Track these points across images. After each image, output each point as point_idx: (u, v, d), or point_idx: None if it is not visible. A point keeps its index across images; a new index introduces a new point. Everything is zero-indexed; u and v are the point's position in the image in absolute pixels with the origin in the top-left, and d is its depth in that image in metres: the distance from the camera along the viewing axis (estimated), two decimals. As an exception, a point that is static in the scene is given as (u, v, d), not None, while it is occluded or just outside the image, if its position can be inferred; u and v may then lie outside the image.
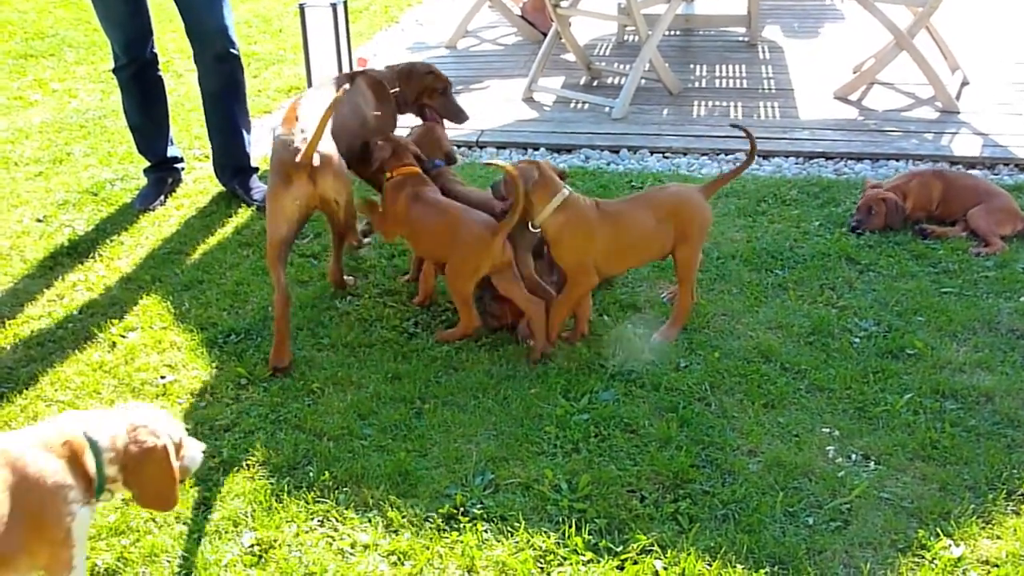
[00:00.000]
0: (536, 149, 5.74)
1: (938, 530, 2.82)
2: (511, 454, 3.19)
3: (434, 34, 8.25)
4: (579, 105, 6.40)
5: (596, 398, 3.45)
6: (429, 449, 3.23)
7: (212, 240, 4.75)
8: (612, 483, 3.04)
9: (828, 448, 3.17)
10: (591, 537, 2.83)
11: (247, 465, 3.19)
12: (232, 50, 4.92)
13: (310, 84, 5.98)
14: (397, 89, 4.36)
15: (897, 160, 5.37)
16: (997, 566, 2.71)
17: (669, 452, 3.15)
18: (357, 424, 3.35)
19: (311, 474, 3.13)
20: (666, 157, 5.60)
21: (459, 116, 4.56)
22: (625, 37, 7.72)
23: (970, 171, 5.07)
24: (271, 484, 3.08)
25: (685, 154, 5.61)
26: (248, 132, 5.19)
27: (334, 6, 5.73)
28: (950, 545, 2.77)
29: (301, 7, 5.79)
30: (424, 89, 4.45)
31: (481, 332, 3.82)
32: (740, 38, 7.70)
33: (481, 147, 5.83)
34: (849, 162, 5.44)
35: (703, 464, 3.12)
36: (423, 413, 3.41)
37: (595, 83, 6.80)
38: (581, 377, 3.56)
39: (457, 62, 7.51)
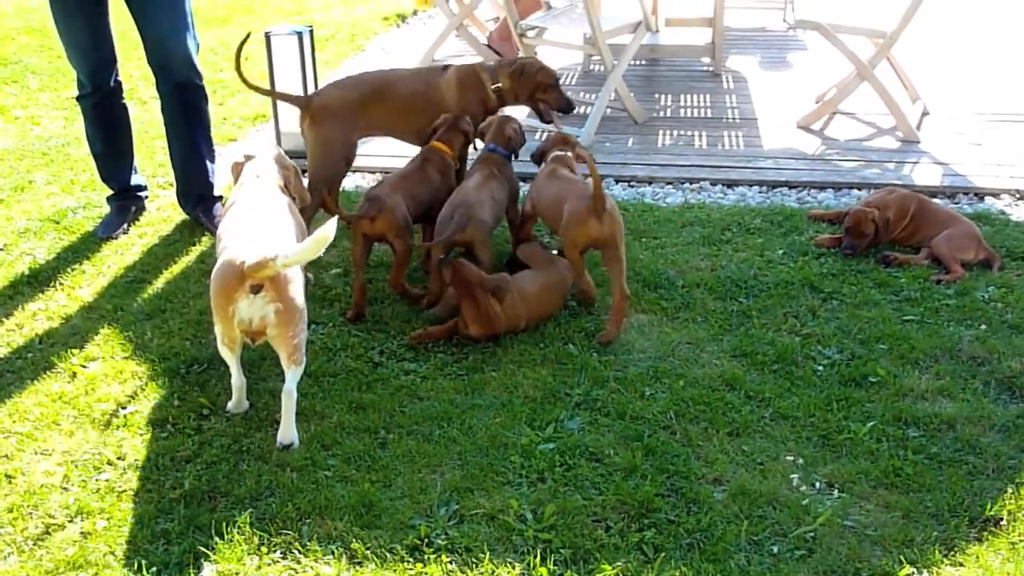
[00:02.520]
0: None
1: (902, 558, 2.83)
2: (476, 484, 3.17)
3: (401, 62, 8.26)
4: (545, 134, 6.42)
5: (561, 427, 3.44)
6: (393, 480, 3.21)
7: (175, 269, 4.71)
8: (577, 513, 3.02)
9: (792, 476, 3.18)
10: (556, 568, 2.82)
11: (209, 497, 3.15)
12: (196, 79, 4.90)
13: (275, 112, 5.96)
14: (499, 85, 4.73)
15: (860, 189, 5.43)
16: (960, 593, 2.72)
17: (634, 481, 3.15)
18: (320, 455, 3.32)
19: (274, 506, 3.09)
20: (631, 186, 5.63)
21: (570, 107, 4.98)
22: (591, 67, 7.77)
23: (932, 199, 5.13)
24: (233, 516, 3.04)
25: (650, 183, 5.64)
26: (212, 161, 5.16)
27: (300, 34, 5.72)
28: (913, 573, 2.78)
29: (267, 35, 5.78)
30: (536, 85, 4.82)
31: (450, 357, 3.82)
32: (705, 68, 7.78)
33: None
34: (812, 191, 5.49)
35: (668, 493, 3.11)
36: (387, 443, 3.38)
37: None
38: (546, 406, 3.55)
39: (424, 90, 7.52)
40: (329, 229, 3.07)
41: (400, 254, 4.22)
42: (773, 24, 9.09)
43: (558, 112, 5.03)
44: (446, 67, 4.87)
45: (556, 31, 6.66)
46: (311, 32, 5.86)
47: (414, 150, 4.73)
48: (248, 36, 4.64)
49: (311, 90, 5.86)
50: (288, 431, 3.38)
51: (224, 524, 3.00)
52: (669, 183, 5.63)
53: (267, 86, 5.74)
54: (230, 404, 3.59)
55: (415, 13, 10.14)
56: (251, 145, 6.37)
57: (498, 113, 4.75)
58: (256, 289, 3.23)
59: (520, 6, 6.76)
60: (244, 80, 4.57)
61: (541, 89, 4.85)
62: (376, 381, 3.74)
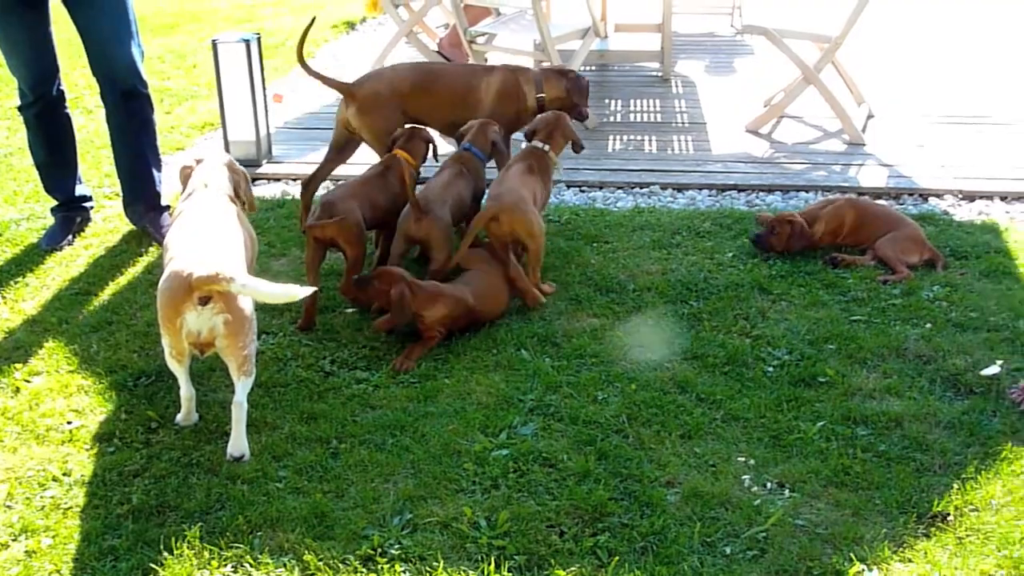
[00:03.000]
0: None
1: (852, 555, 2.86)
2: (429, 492, 3.16)
3: (351, 69, 8.21)
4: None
5: (515, 433, 3.44)
6: (346, 490, 3.19)
7: (122, 280, 4.64)
8: (531, 519, 3.02)
9: (744, 477, 3.20)
10: (511, 574, 2.82)
11: (158, 511, 3.10)
12: (141, 87, 4.84)
13: (224, 121, 5.91)
14: (543, 95, 4.92)
15: (807, 191, 5.49)
16: (909, 589, 2.76)
17: (588, 486, 3.15)
18: (272, 466, 3.29)
19: (224, 519, 3.05)
20: (583, 191, 5.64)
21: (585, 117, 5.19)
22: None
23: (877, 201, 5.20)
24: (183, 530, 3.00)
25: (601, 187, 5.67)
26: (159, 170, 5.10)
27: (247, 42, 5.68)
28: (863, 570, 2.81)
29: (214, 43, 5.73)
30: (586, 96, 5.04)
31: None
32: (654, 73, 7.83)
33: (398, 182, 5.80)
34: (761, 194, 5.54)
35: (621, 497, 3.12)
36: (339, 453, 3.36)
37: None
38: (500, 412, 3.55)
39: (374, 98, 7.49)
40: (300, 292, 3.24)
41: (351, 260, 4.21)
42: (721, 29, 9.17)
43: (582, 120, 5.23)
44: (492, 68, 5.06)
45: (506, 37, 6.67)
46: (259, 39, 5.82)
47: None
48: (313, 21, 5.05)
49: (259, 98, 5.82)
50: (239, 443, 3.34)
51: (173, 539, 2.96)
52: (619, 188, 5.66)
53: (215, 95, 5.70)
54: (179, 416, 3.54)
55: (364, 20, 10.10)
56: (201, 151, 6.31)
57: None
58: (204, 301, 3.20)
59: (470, 13, 6.77)
60: (304, 65, 4.87)
61: (582, 97, 5.02)
62: (327, 391, 3.71)
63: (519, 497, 3.12)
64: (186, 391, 3.48)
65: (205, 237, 3.45)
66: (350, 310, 4.28)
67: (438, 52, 7.99)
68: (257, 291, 3.21)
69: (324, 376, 3.81)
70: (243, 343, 3.29)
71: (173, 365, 3.40)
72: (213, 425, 3.51)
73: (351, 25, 9.98)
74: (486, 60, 6.73)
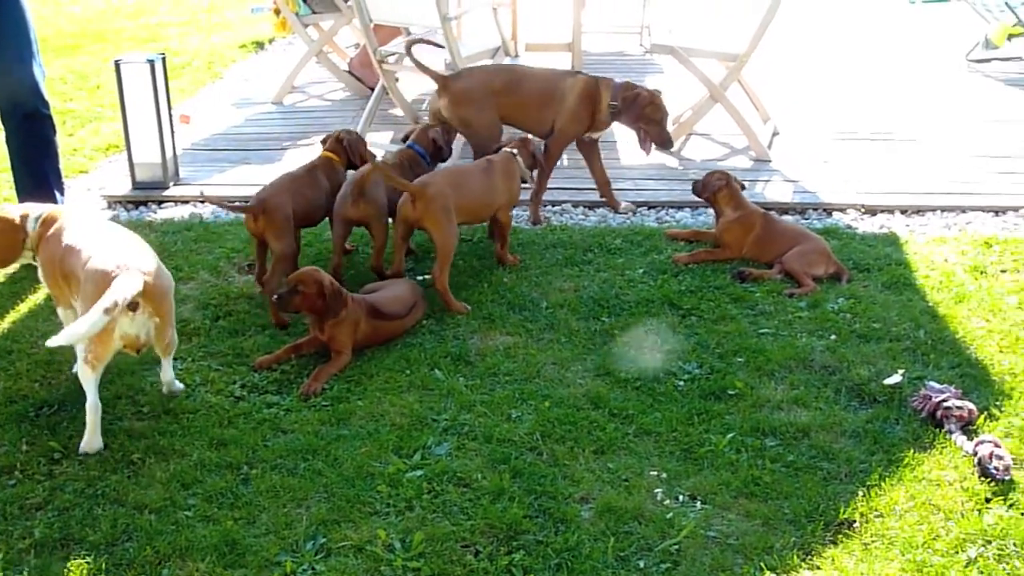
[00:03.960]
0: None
1: (762, 564, 2.91)
2: (343, 516, 3.12)
3: (260, 90, 8.15)
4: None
5: (429, 453, 3.42)
6: (257, 516, 3.13)
7: (22, 307, 4.51)
8: (446, 539, 3.01)
9: (656, 491, 3.23)
10: (425, 596, 2.80)
11: (62, 545, 3.02)
12: (43, 109, 4.74)
13: (128, 143, 5.79)
14: (616, 103, 5.19)
15: (708, 207, 5.57)
16: (818, 597, 2.81)
17: (502, 504, 3.15)
18: (180, 494, 3.22)
19: (131, 550, 2.98)
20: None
21: (665, 144, 5.39)
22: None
23: (783, 216, 5.32)
24: (88, 563, 2.92)
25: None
26: (62, 193, 4.99)
27: (151, 62, 5.58)
28: (774, 579, 2.86)
29: (117, 63, 5.62)
30: (641, 115, 5.23)
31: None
32: (564, 92, 7.88)
33: (309, 203, 5.75)
34: (670, 210, 5.63)
35: (536, 514, 3.13)
36: (250, 479, 3.30)
37: (424, 137, 6.82)
38: (413, 433, 3.53)
39: (284, 118, 7.44)
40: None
41: (277, 255, 4.35)
42: (630, 48, 9.31)
43: (656, 146, 5.36)
44: (577, 73, 5.44)
45: (417, 56, 6.65)
46: (163, 60, 5.73)
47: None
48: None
49: (165, 119, 5.73)
50: (173, 386, 3.75)
51: (78, 572, 2.88)
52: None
53: (119, 116, 5.60)
54: (84, 441, 3.46)
55: (273, 40, 10.01)
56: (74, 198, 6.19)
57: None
58: (133, 307, 3.34)
59: (380, 33, 6.74)
60: (417, 64, 5.41)
61: (644, 120, 5.24)
62: (238, 416, 3.65)
63: (433, 518, 3.11)
64: (93, 400, 3.43)
65: (118, 245, 3.54)
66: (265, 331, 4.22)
67: (348, 72, 7.96)
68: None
69: (234, 401, 3.75)
70: (170, 333, 3.59)
71: (87, 373, 3.40)
72: (119, 454, 3.43)
73: (260, 45, 9.89)
74: (397, 80, 6.73)
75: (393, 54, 6.55)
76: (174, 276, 4.57)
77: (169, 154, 5.87)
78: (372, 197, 4.49)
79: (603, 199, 5.64)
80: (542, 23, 8.62)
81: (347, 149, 4.81)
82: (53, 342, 3.21)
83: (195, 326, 4.29)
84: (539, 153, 5.07)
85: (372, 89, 6.98)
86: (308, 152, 6.55)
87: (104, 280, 3.31)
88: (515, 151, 4.88)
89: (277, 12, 7.99)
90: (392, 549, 2.98)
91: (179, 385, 3.78)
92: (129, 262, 3.38)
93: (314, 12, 7.81)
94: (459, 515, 3.12)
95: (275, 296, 4.03)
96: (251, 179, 6.07)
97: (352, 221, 4.55)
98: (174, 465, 3.37)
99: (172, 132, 5.89)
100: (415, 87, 7.85)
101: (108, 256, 3.42)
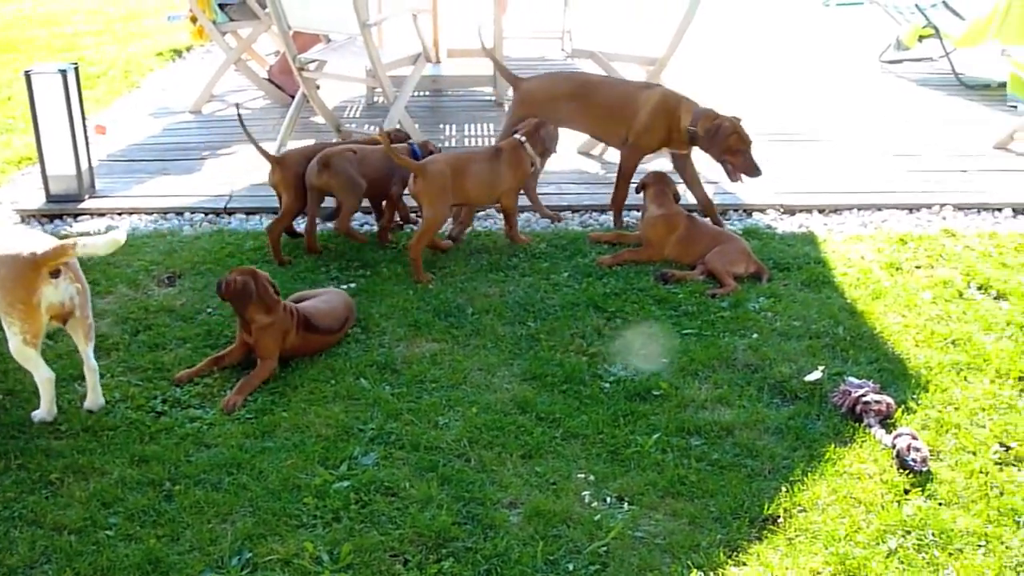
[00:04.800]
0: (288, 213, 5.65)
1: (689, 563, 2.94)
2: (269, 530, 3.08)
3: (178, 99, 8.02)
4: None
5: (356, 464, 3.40)
6: (181, 533, 3.08)
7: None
8: (374, 549, 2.99)
9: (584, 493, 3.25)
10: (354, 608, 2.78)
11: (-24, 570, 2.93)
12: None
13: (41, 155, 5.65)
14: (695, 129, 5.11)
15: (638, 211, 5.62)
16: (744, 593, 2.85)
17: (431, 512, 3.14)
18: (101, 514, 3.15)
19: (51, 573, 2.92)
20: (419, 216, 5.62)
21: (752, 172, 5.16)
22: (375, 99, 7.76)
23: (704, 218, 5.38)
24: (4, 588, 2.85)
25: (437, 212, 5.67)
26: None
27: (63, 72, 5.46)
28: (701, 577, 2.89)
29: (27, 74, 5.49)
30: (726, 148, 5.09)
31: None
32: (487, 98, 7.91)
33: (229, 213, 5.69)
34: (594, 214, 5.66)
35: (465, 521, 3.12)
36: (174, 495, 3.25)
37: (346, 145, 6.78)
38: (340, 443, 3.50)
39: (203, 127, 7.33)
40: (122, 235, 3.56)
41: (285, 204, 5.03)
42: (552, 53, 9.33)
43: (745, 175, 5.19)
44: (654, 86, 5.42)
45: (336, 64, 6.61)
46: (76, 69, 5.60)
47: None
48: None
49: (79, 130, 5.61)
50: (97, 397, 3.68)
51: (-6, 598, 2.80)
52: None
53: (31, 129, 5.48)
54: (40, 411, 3.58)
55: (191, 48, 9.86)
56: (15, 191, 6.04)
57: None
58: (56, 274, 3.45)
59: (299, 40, 6.69)
60: (495, 61, 5.86)
61: (730, 152, 5.10)
62: (159, 431, 3.59)
63: (361, 528, 3.09)
64: (45, 374, 3.57)
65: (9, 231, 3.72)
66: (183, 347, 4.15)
67: (268, 80, 7.88)
68: (96, 245, 3.51)
69: (155, 416, 3.68)
70: (88, 311, 3.63)
71: (27, 352, 3.50)
72: (36, 474, 3.34)
73: (178, 53, 9.73)
74: (318, 87, 6.68)
75: (313, 61, 6.49)
76: (91, 290, 4.50)
77: (84, 166, 5.74)
78: (338, 169, 4.87)
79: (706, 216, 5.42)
80: (463, 29, 8.61)
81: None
82: None
83: (114, 341, 4.20)
84: (551, 140, 5.11)
85: (293, 97, 6.91)
86: (228, 161, 6.48)
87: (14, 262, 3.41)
88: (523, 138, 5.02)
89: (194, 20, 7.87)
90: (320, 561, 2.95)
91: (100, 400, 3.71)
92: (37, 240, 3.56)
93: (231, 20, 7.71)
94: (387, 524, 3.11)
95: (219, 281, 4.01)
96: (170, 190, 5.98)
97: (317, 188, 4.93)
98: (94, 484, 3.29)
99: (87, 143, 5.77)
100: (336, 94, 7.80)
101: (13, 241, 3.55)
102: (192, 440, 3.53)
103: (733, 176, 5.23)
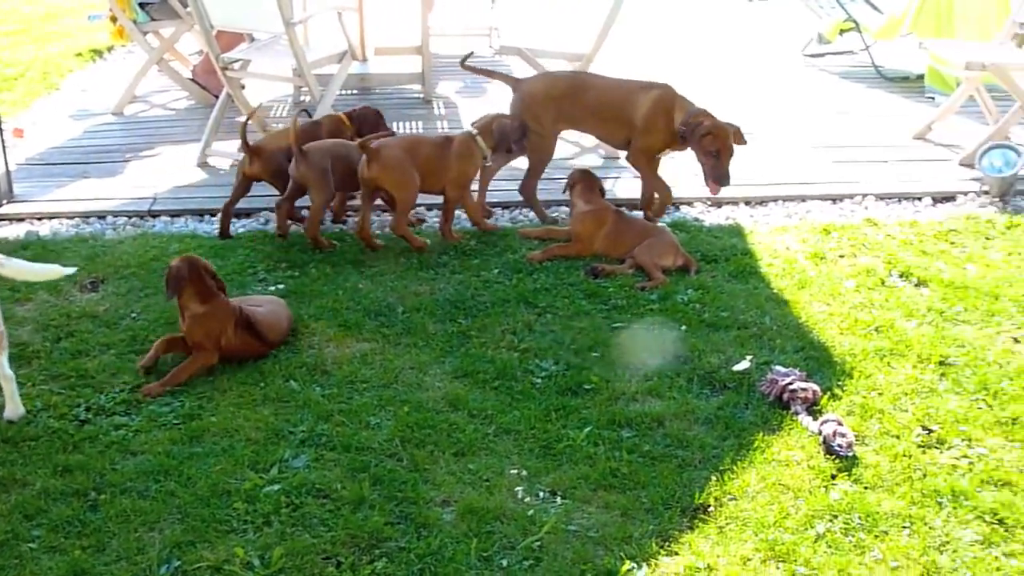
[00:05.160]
0: (213, 215, 5.56)
1: (622, 554, 2.96)
2: (198, 536, 3.04)
3: (99, 100, 7.85)
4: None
5: (287, 467, 3.36)
6: (107, 543, 3.02)
7: None
8: (307, 552, 2.96)
9: (517, 489, 3.25)
10: (286, 612, 2.75)
11: None
12: None
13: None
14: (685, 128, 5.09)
15: (567, 206, 5.64)
16: (676, 582, 2.88)
17: (363, 513, 3.12)
18: (23, 526, 3.08)
19: (-29, 588, 2.84)
20: (348, 215, 5.59)
21: (719, 178, 5.11)
22: (302, 97, 7.67)
23: (633, 212, 5.42)
24: (-78, 606, 2.77)
25: (367, 211, 5.64)
26: None
27: (-23, 75, 5.32)
28: (633, 568, 2.91)
29: (-61, 77, 5.34)
30: (700, 148, 5.07)
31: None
32: (416, 95, 7.88)
33: (154, 216, 5.59)
34: (523, 210, 5.67)
35: (398, 520, 3.11)
36: (99, 505, 3.18)
37: (273, 145, 6.70)
38: (270, 447, 3.46)
39: (125, 129, 7.19)
40: (62, 270, 3.63)
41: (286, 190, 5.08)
42: (480, 50, 9.31)
43: (713, 180, 5.13)
44: (653, 86, 5.28)
45: (261, 63, 6.53)
46: (-10, 72, 5.46)
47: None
48: None
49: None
50: (17, 407, 3.61)
51: (-89, 616, 2.72)
52: (385, 210, 5.64)
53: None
54: (7, 411, 3.60)
55: (112, 48, 9.67)
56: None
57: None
58: None
59: (222, 39, 6.60)
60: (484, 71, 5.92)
61: (704, 154, 5.08)
62: (83, 440, 3.51)
63: (293, 532, 3.06)
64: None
65: None
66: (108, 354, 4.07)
67: (192, 80, 7.76)
68: (21, 269, 3.54)
69: (79, 425, 3.61)
70: None
71: None
72: (-46, 489, 3.26)
73: (99, 54, 9.54)
74: (243, 87, 6.59)
75: (237, 60, 6.41)
76: (10, 297, 4.41)
77: (1, 170, 5.60)
78: (313, 162, 4.90)
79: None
80: (390, 26, 8.57)
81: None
82: None
83: (34, 349, 4.10)
84: (504, 136, 5.09)
85: (217, 97, 6.81)
86: (152, 163, 6.37)
87: None
88: (476, 132, 5.08)
89: (114, 20, 7.72)
90: (251, 567, 2.91)
91: (20, 410, 3.62)
92: None
93: (153, 19, 7.57)
94: (319, 527, 3.08)
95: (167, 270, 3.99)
96: (92, 193, 5.86)
97: (296, 181, 4.98)
98: (16, 496, 3.22)
99: (3, 147, 5.63)
100: (261, 94, 7.71)
101: None
102: (117, 448, 3.47)
103: (707, 181, 5.18)
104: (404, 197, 4.92)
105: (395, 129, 7.01)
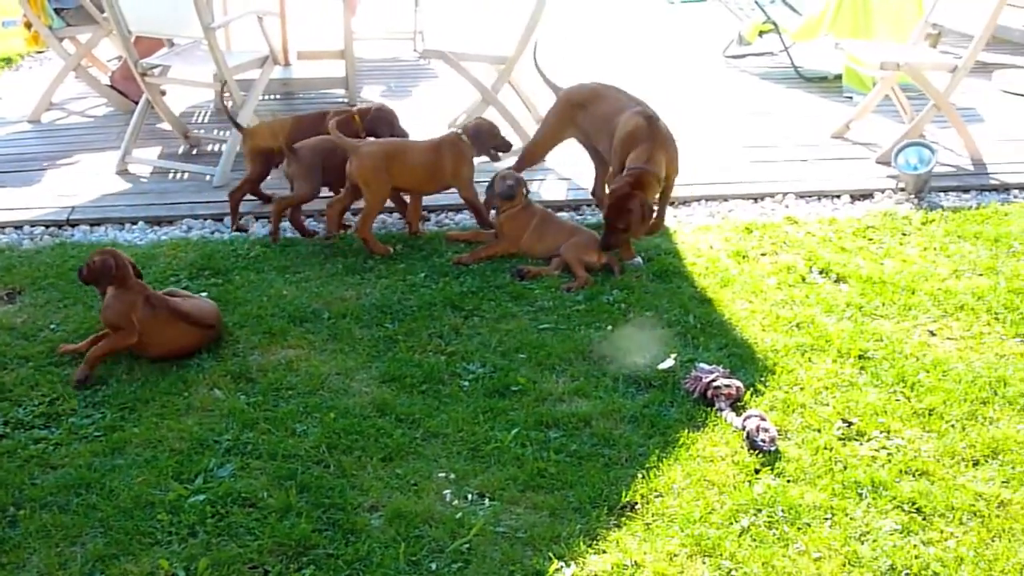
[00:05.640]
0: (134, 223, 5.48)
1: (551, 554, 2.97)
2: (122, 550, 2.99)
3: (14, 108, 7.68)
4: (178, 175, 6.21)
5: (211, 476, 3.32)
6: (27, 559, 2.96)
7: None
8: (233, 562, 2.93)
9: (445, 492, 3.26)
10: (212, 623, 2.71)
11: None
12: None
13: None
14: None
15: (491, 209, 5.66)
16: (604, 579, 2.90)
17: (290, 521, 3.10)
18: (-63, 545, 3.00)
19: None
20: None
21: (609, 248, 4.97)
22: (224, 103, 7.58)
23: (559, 213, 5.45)
24: None
25: (291, 217, 5.60)
26: None
27: None
28: (562, 567, 2.93)
29: None
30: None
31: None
32: (340, 99, 7.83)
33: (72, 225, 5.48)
34: (449, 213, 5.67)
35: (325, 527, 3.09)
36: (18, 520, 3.11)
37: (195, 151, 6.63)
38: (194, 457, 3.42)
39: (42, 137, 7.03)
40: None
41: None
42: (404, 54, 9.32)
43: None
44: (633, 111, 5.12)
45: (181, 69, 6.45)
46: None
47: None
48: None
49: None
50: None
51: None
52: (309, 216, 5.59)
53: None
54: None
55: (26, 55, 9.45)
56: None
57: None
58: None
59: (141, 45, 6.48)
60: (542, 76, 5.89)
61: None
62: (1, 455, 3.43)
63: (219, 542, 3.02)
64: None
65: None
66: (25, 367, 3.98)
67: (111, 86, 7.62)
68: None
69: (-4, 439, 3.53)
70: None
71: None
72: None
73: (12, 61, 9.32)
74: (163, 93, 6.49)
75: (156, 66, 6.31)
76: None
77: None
78: (300, 157, 5.07)
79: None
80: (312, 31, 8.50)
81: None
82: None
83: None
84: (481, 138, 5.21)
85: (137, 103, 6.69)
86: (70, 172, 6.24)
87: None
88: (460, 132, 5.26)
89: (28, 26, 7.55)
90: (176, 579, 2.88)
91: None
92: None
93: (69, 25, 7.42)
94: (246, 536, 3.05)
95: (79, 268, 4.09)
96: (7, 203, 5.73)
97: (289, 176, 5.18)
98: (-70, 515, 3.13)
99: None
100: (183, 100, 7.60)
101: None
102: (37, 462, 3.39)
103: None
104: (371, 199, 5.02)
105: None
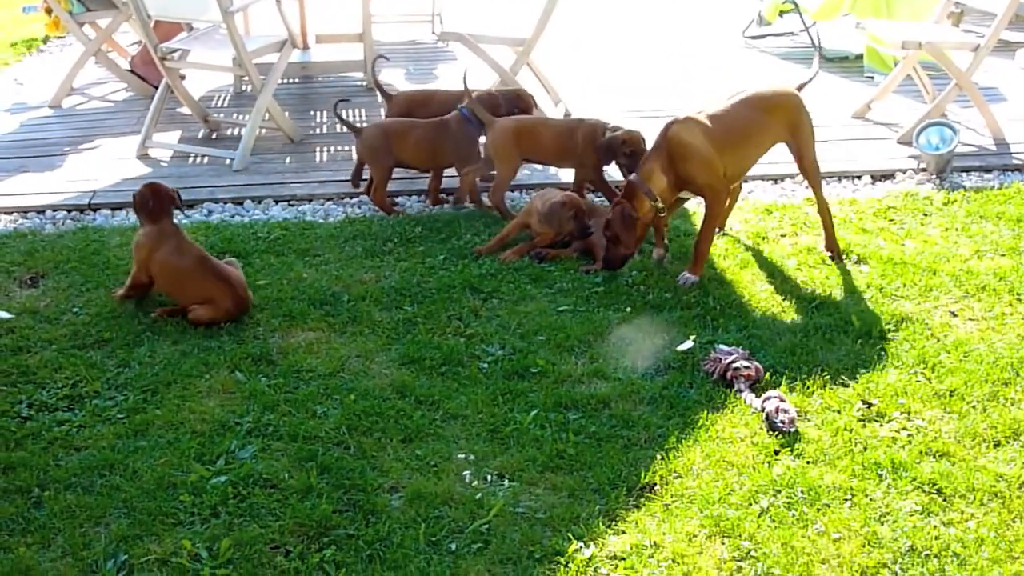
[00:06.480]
0: (155, 207, 5.51)
1: (570, 535, 2.98)
2: (145, 530, 3.02)
3: (36, 93, 7.72)
4: (198, 159, 6.24)
5: (233, 458, 3.35)
6: (52, 539, 2.99)
7: None
8: (255, 543, 2.96)
9: (465, 473, 3.27)
10: (235, 603, 2.74)
11: None
12: None
13: None
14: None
15: (513, 191, 5.65)
16: (623, 559, 2.91)
17: (311, 502, 3.12)
18: (-35, 526, 3.04)
19: (-88, 590, 2.80)
20: (291, 205, 5.57)
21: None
22: (243, 87, 7.61)
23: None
24: None
25: (310, 200, 5.62)
26: None
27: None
28: (581, 547, 2.94)
29: None
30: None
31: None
32: (359, 83, 7.84)
33: (94, 209, 5.52)
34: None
35: (346, 508, 3.11)
36: (43, 501, 3.15)
37: (214, 135, 6.65)
38: (216, 438, 3.44)
39: (64, 122, 7.07)
40: None
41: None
42: (422, 37, 9.30)
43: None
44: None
45: (201, 53, 6.45)
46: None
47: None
48: None
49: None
50: None
51: None
52: (329, 199, 5.63)
53: None
54: None
55: (47, 40, 9.50)
56: None
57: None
58: None
59: (161, 29, 6.50)
60: None
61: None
62: (26, 437, 3.47)
63: (240, 522, 3.05)
64: None
65: None
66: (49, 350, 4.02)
67: (131, 71, 7.65)
68: None
69: (21, 422, 3.56)
70: None
71: None
72: None
73: (34, 46, 9.36)
74: (183, 77, 6.51)
75: (176, 51, 6.33)
76: (-54, 295, 4.33)
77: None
78: (365, 140, 5.38)
79: None
80: (331, 14, 8.51)
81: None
82: None
83: (-27, 347, 4.04)
84: (612, 153, 5.16)
85: (157, 88, 6.71)
86: (91, 156, 6.28)
87: None
88: (607, 128, 5.29)
89: (49, 11, 7.58)
90: (199, 559, 2.90)
91: None
92: None
93: (89, 10, 7.44)
94: (267, 517, 3.07)
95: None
96: (30, 188, 5.77)
97: (360, 155, 5.58)
98: (-44, 496, 3.18)
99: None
100: (202, 84, 7.62)
101: None
102: (61, 444, 3.43)
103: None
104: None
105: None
